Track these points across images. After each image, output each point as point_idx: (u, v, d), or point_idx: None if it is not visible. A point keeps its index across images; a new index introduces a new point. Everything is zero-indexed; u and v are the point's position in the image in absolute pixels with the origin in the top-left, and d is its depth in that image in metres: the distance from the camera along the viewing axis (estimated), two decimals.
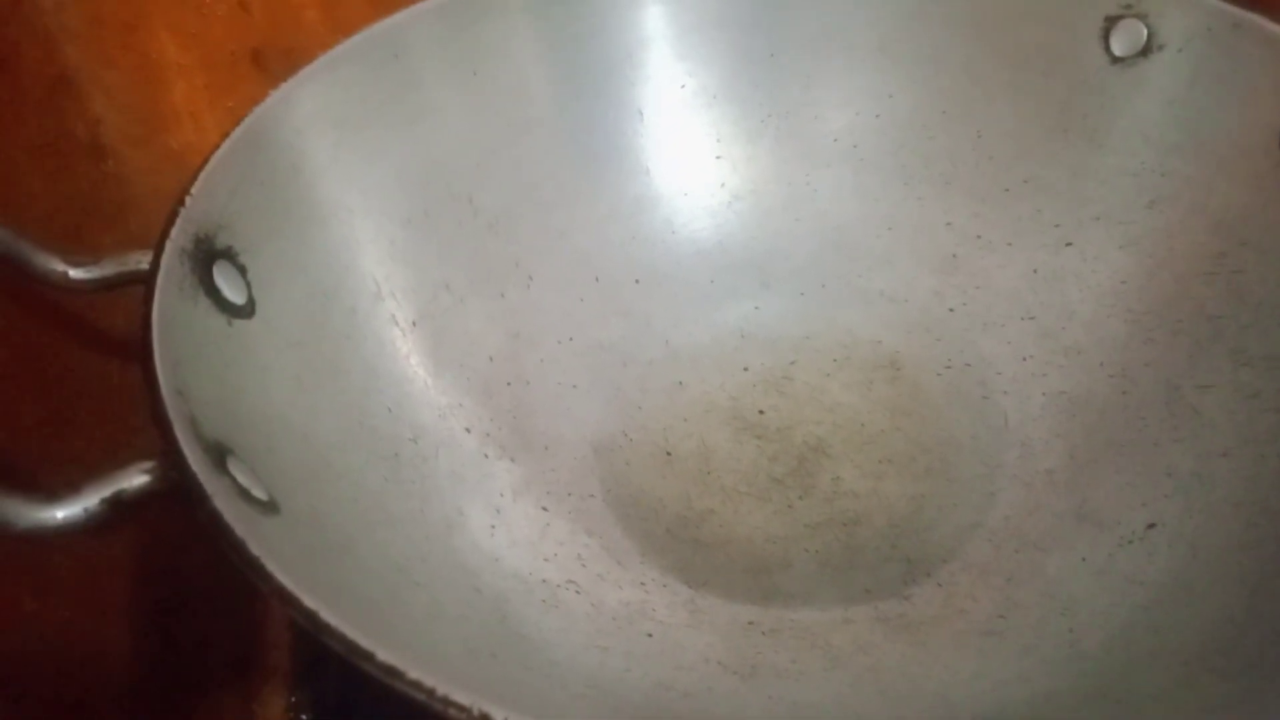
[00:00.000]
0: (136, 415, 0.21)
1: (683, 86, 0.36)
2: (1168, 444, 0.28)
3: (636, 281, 0.35)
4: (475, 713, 0.15)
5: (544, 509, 0.30)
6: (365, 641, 0.16)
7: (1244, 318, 0.28)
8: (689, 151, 0.36)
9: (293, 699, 0.38)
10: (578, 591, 0.27)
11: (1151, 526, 0.26)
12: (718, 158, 0.36)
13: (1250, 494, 0.25)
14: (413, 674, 0.16)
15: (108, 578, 0.28)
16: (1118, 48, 0.32)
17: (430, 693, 0.16)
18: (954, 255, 0.35)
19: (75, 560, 0.26)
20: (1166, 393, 0.29)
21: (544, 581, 0.27)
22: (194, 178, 0.25)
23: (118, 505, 0.19)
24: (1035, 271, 0.34)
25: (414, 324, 0.31)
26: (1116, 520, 0.27)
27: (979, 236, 0.35)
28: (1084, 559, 0.27)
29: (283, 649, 0.39)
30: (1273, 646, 0.21)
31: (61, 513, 0.19)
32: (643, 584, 0.28)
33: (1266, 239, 0.29)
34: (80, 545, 0.27)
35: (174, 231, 0.24)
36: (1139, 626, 0.24)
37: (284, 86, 0.28)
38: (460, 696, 0.16)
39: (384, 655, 0.16)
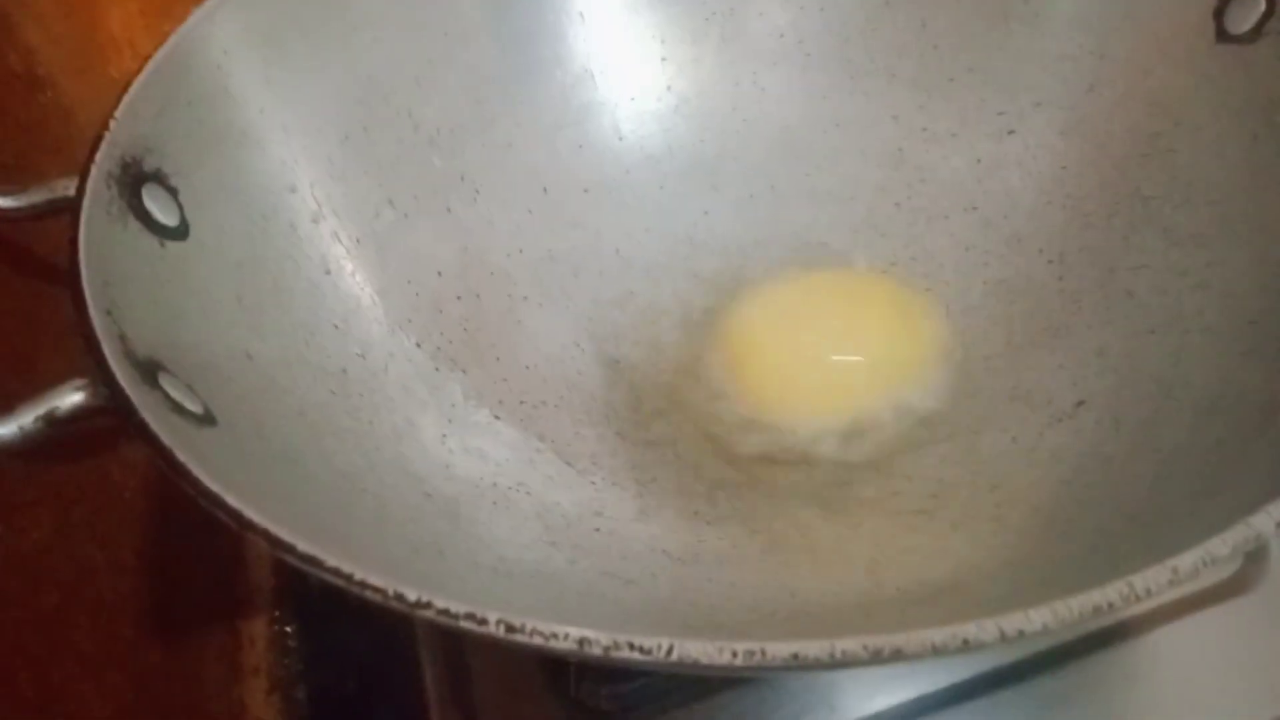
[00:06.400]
0: (76, 342, 0.22)
1: None
2: (1100, 326, 0.28)
3: (585, 191, 0.35)
4: (390, 593, 0.16)
5: (496, 418, 0.30)
6: (287, 535, 0.17)
7: (1176, 197, 0.29)
8: (633, 54, 0.36)
9: (276, 613, 0.40)
10: (528, 493, 0.28)
11: (1080, 404, 0.27)
12: (663, 59, 0.36)
13: (1172, 369, 0.26)
14: (331, 561, 0.17)
15: (77, 502, 0.29)
16: None
17: (349, 578, 0.17)
18: (900, 149, 0.35)
19: (40, 487, 0.27)
20: (1102, 275, 0.30)
21: (495, 485, 0.28)
22: (117, 102, 0.25)
23: (52, 422, 0.20)
24: (979, 161, 0.33)
25: (358, 241, 0.31)
26: (1048, 400, 0.28)
27: (924, 129, 0.34)
28: (1014, 439, 0.27)
29: (265, 564, 0.40)
30: (1176, 507, 0.21)
31: None
32: (593, 484, 0.29)
33: (1199, 116, 0.29)
34: (45, 472, 0.28)
35: (99, 156, 0.24)
36: (1060, 499, 0.25)
37: (208, 4, 0.28)
38: (376, 579, 0.16)
39: (304, 546, 0.17)
